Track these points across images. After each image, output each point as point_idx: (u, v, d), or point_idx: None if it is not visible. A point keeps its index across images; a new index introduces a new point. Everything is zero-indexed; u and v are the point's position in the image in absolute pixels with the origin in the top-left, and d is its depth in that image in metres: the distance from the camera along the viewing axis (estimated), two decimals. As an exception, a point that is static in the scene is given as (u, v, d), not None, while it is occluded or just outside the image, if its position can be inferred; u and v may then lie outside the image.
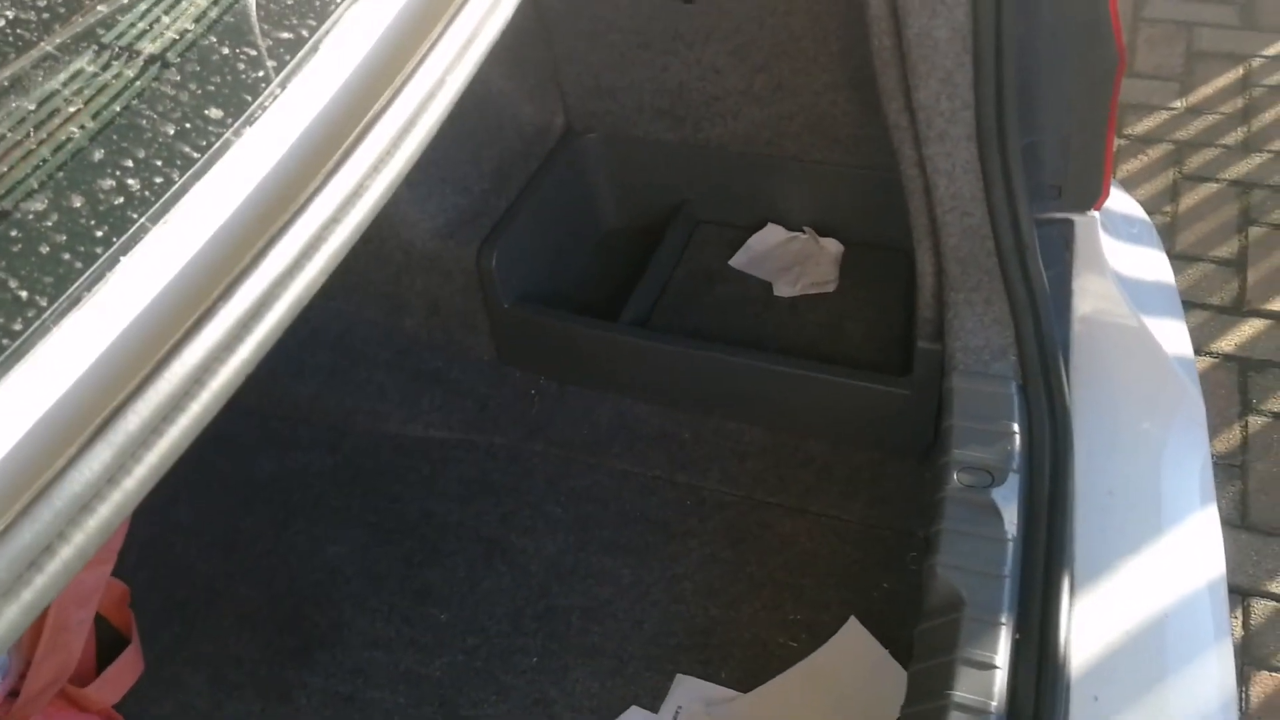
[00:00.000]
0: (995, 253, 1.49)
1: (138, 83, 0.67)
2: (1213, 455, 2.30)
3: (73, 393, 0.54)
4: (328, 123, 0.69)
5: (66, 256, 0.58)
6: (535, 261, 2.08)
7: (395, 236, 1.98)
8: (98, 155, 0.63)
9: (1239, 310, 2.64)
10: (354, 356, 2.14)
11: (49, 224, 0.59)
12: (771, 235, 2.19)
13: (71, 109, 0.65)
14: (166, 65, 0.68)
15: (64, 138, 0.64)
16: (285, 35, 0.72)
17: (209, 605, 1.82)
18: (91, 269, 0.58)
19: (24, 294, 0.57)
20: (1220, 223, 2.86)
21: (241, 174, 0.64)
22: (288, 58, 0.71)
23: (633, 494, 1.88)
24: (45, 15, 0.69)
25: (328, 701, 1.68)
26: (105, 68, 0.67)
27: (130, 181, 0.62)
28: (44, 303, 0.56)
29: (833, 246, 2.16)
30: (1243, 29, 3.47)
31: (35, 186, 0.61)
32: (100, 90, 0.66)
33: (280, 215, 0.64)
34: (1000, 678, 1.19)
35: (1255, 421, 2.41)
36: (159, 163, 0.63)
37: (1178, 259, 2.77)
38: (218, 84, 0.68)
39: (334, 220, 0.66)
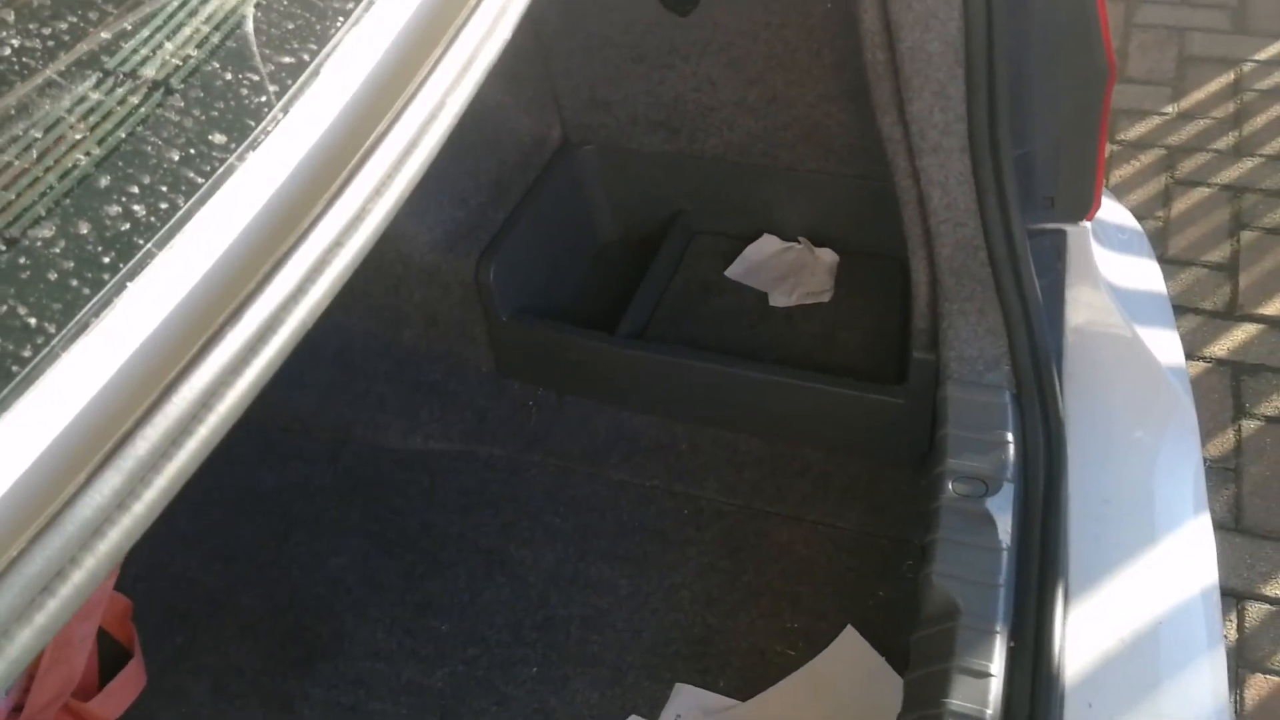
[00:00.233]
0: (989, 263, 1.50)
1: (142, 109, 0.68)
2: (1206, 459, 2.32)
3: (82, 418, 0.55)
4: (330, 146, 0.69)
5: (74, 283, 0.59)
6: (533, 273, 2.09)
7: (393, 249, 1.99)
8: (104, 182, 0.64)
9: (1231, 314, 2.66)
10: (353, 369, 2.15)
11: (56, 251, 0.60)
12: (767, 245, 2.20)
13: (77, 135, 0.66)
14: (170, 91, 0.69)
15: (70, 164, 0.64)
16: (287, 60, 0.73)
17: (211, 617, 1.82)
18: (99, 295, 0.59)
19: (32, 321, 0.57)
20: (1212, 227, 2.88)
21: (246, 199, 0.65)
22: (290, 82, 0.71)
23: (631, 504, 1.89)
24: (50, 42, 0.70)
25: (330, 712, 1.69)
26: (110, 94, 0.68)
27: (136, 207, 0.63)
28: (52, 329, 0.57)
29: (828, 256, 2.17)
30: (1234, 33, 3.48)
31: (42, 213, 0.62)
32: (105, 117, 0.67)
33: (285, 239, 0.65)
34: (996, 686, 1.20)
35: (1248, 425, 2.42)
36: (164, 188, 0.64)
37: (1170, 264, 2.78)
38: (221, 109, 0.69)
39: (338, 244, 0.67)
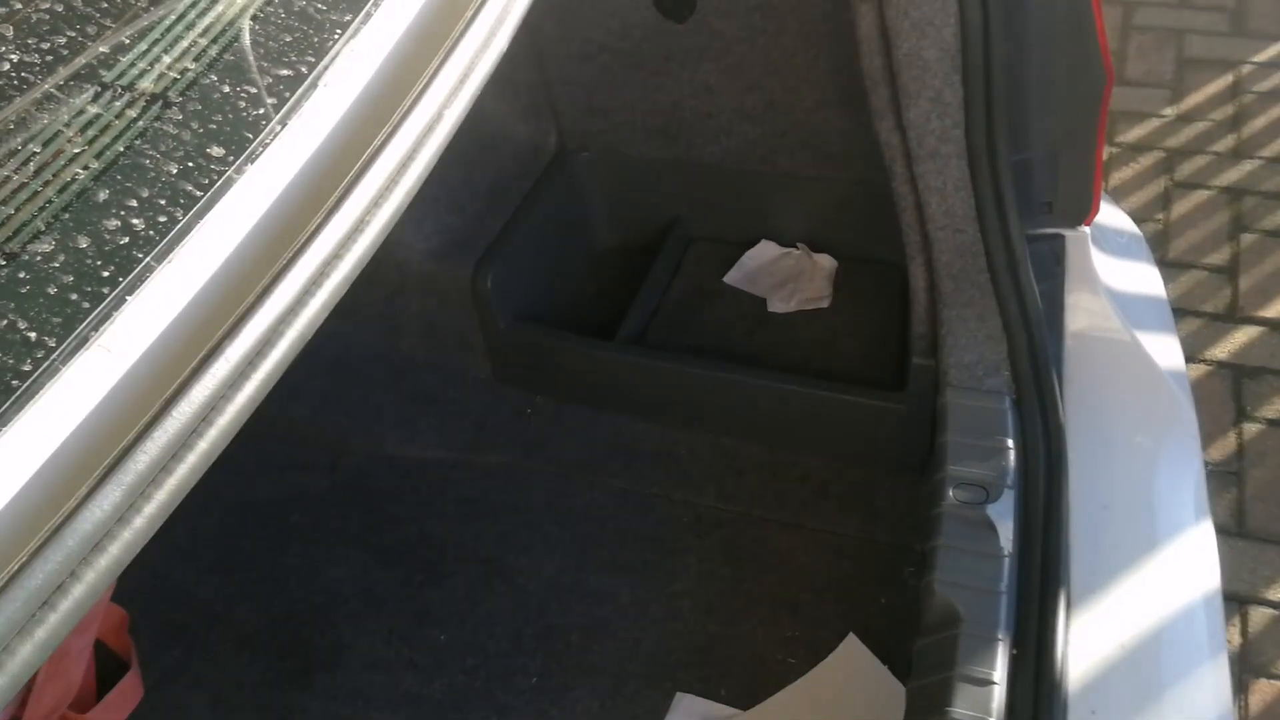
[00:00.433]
0: (987, 269, 1.50)
1: (140, 122, 0.68)
2: (1208, 463, 2.32)
3: (81, 433, 0.55)
4: (329, 158, 0.69)
5: (74, 297, 0.59)
6: (530, 281, 2.09)
7: (390, 258, 1.99)
8: (103, 196, 0.64)
9: (1232, 317, 2.66)
10: (350, 378, 2.15)
11: (56, 265, 0.60)
12: (765, 252, 2.20)
13: (77, 149, 0.66)
14: (169, 105, 0.69)
15: (69, 179, 0.64)
16: (285, 72, 0.73)
17: (208, 629, 1.82)
18: (98, 309, 0.59)
19: (32, 335, 0.57)
20: (1212, 230, 2.88)
21: (245, 211, 0.65)
22: (288, 94, 0.72)
23: (630, 512, 1.89)
24: (49, 57, 0.70)
25: (329, 723, 1.69)
26: (109, 108, 0.68)
27: (135, 221, 0.63)
28: (52, 343, 0.57)
29: (826, 262, 2.17)
30: (1233, 35, 3.49)
31: (42, 228, 0.62)
32: (104, 130, 0.67)
33: (283, 252, 0.65)
34: (998, 694, 1.19)
35: (1250, 429, 2.42)
36: (163, 202, 0.64)
37: (1170, 266, 2.78)
38: (219, 122, 0.69)
39: (336, 256, 0.67)
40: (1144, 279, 1.71)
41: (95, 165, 0.65)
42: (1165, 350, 1.59)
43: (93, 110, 0.68)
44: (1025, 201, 1.52)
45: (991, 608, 1.26)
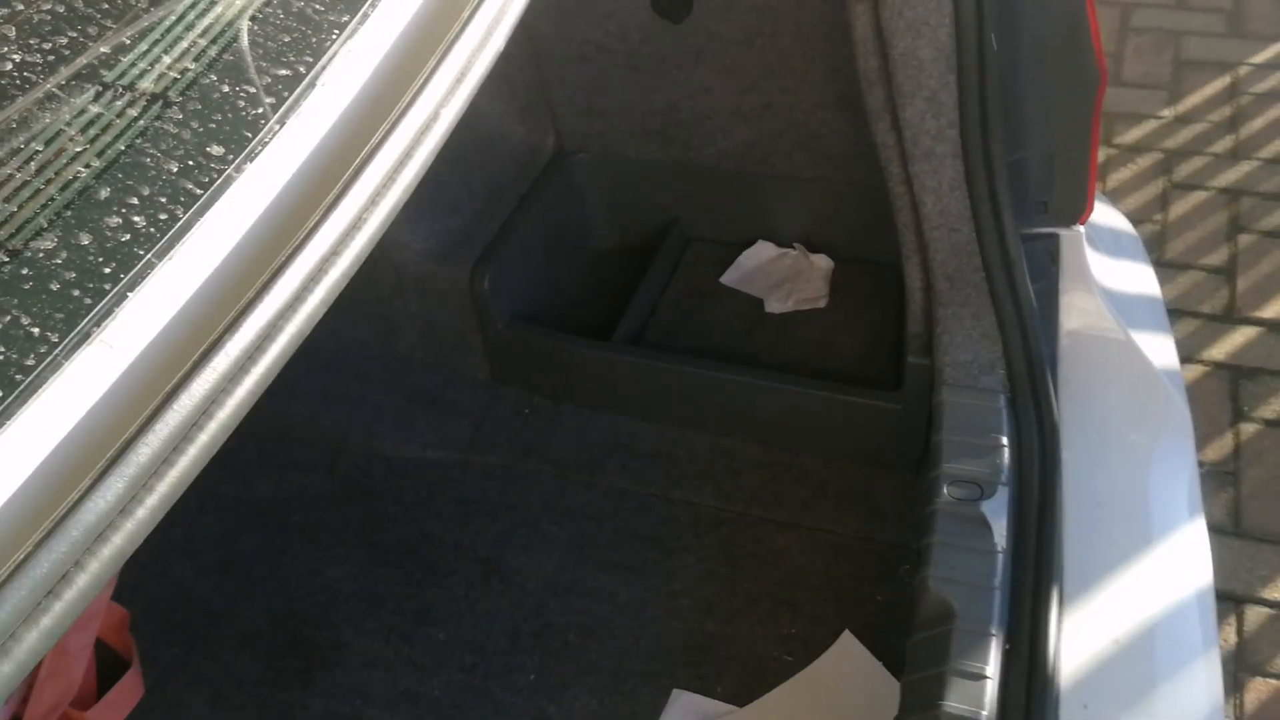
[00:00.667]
0: (983, 268, 1.51)
1: (141, 122, 0.69)
2: (1205, 463, 2.33)
3: (85, 425, 0.56)
4: (326, 157, 0.70)
5: (76, 293, 0.60)
6: (528, 281, 2.10)
7: (388, 259, 2.00)
8: (104, 194, 0.65)
9: (1230, 318, 2.66)
10: (349, 378, 2.16)
11: (58, 262, 0.61)
12: (762, 252, 2.21)
13: (78, 148, 0.67)
14: (169, 104, 0.70)
15: (71, 177, 0.65)
16: (283, 72, 0.74)
17: (208, 627, 1.83)
18: (100, 305, 0.60)
19: (36, 330, 0.58)
20: (1210, 231, 2.88)
21: (244, 209, 0.66)
22: (286, 94, 0.72)
23: (628, 511, 1.90)
24: (51, 57, 0.70)
25: (328, 721, 1.70)
26: (110, 107, 0.69)
27: (136, 219, 0.64)
28: (55, 339, 0.58)
29: (823, 263, 2.17)
30: (1230, 37, 3.49)
31: (44, 225, 0.62)
32: (105, 130, 0.68)
33: (282, 249, 0.66)
34: (991, 688, 1.20)
35: (1247, 429, 2.43)
36: (163, 200, 0.65)
37: (1168, 267, 2.79)
38: (219, 122, 0.70)
39: (334, 252, 0.68)
40: (1139, 278, 1.72)
41: (97, 164, 0.66)
42: (1159, 349, 1.59)
43: (94, 110, 0.69)
44: (1020, 201, 1.52)
45: (985, 603, 1.27)
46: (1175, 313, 2.66)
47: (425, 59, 0.78)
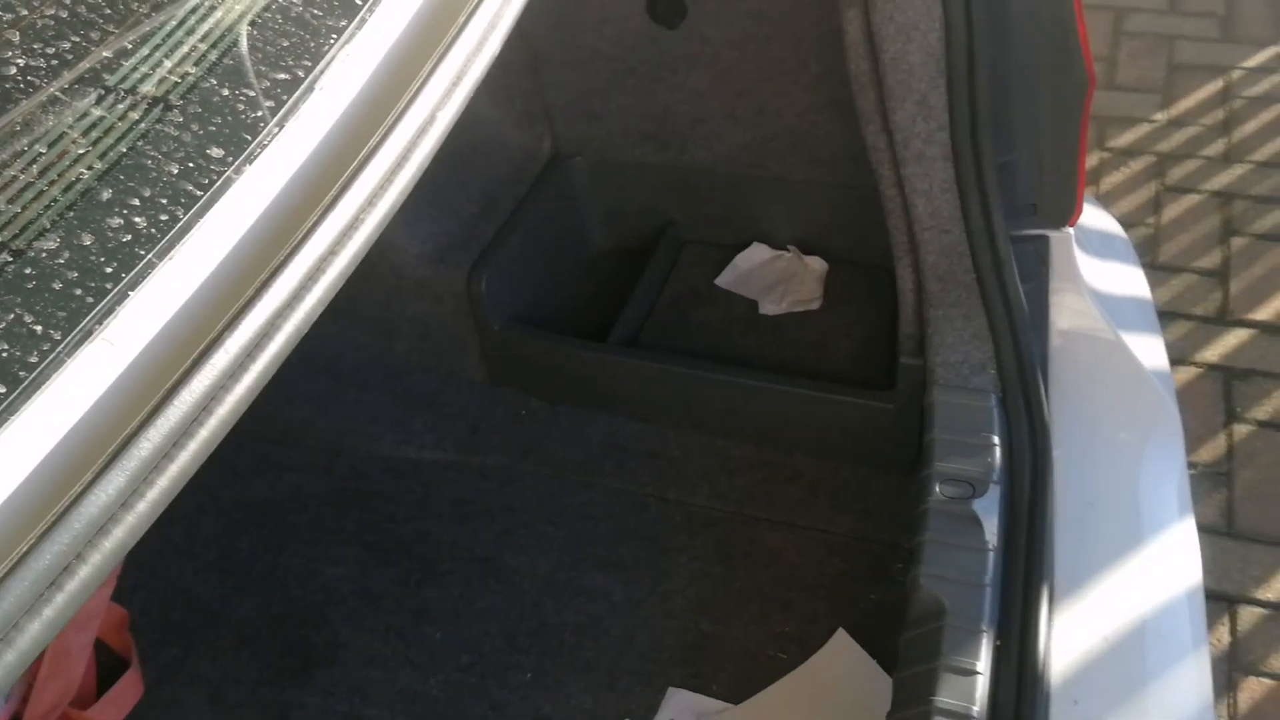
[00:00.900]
0: (973, 269, 1.52)
1: (142, 124, 0.70)
2: (1198, 464, 2.34)
3: (87, 421, 0.57)
4: (324, 160, 0.71)
5: (78, 292, 0.61)
6: (524, 284, 2.11)
7: (385, 262, 2.01)
8: (106, 195, 0.66)
9: (1222, 320, 2.67)
10: (346, 381, 2.17)
11: (61, 261, 0.62)
12: (756, 254, 2.22)
13: (80, 150, 0.68)
14: (170, 107, 0.71)
15: (73, 178, 0.66)
16: (282, 76, 0.75)
17: (207, 627, 1.84)
18: (102, 304, 0.61)
19: (38, 328, 0.59)
20: (1203, 234, 2.89)
21: (243, 210, 0.67)
22: (285, 97, 0.74)
23: (624, 511, 1.91)
24: (54, 61, 0.72)
25: (326, 720, 1.70)
26: (111, 110, 0.70)
27: (137, 219, 0.65)
28: (58, 336, 0.59)
29: (817, 264, 2.18)
30: (1223, 41, 3.50)
31: (47, 226, 0.64)
32: (107, 132, 0.69)
33: (280, 249, 0.67)
34: (982, 683, 1.21)
35: (1240, 430, 2.44)
36: (164, 201, 0.66)
37: (1161, 270, 2.80)
38: (218, 124, 0.71)
39: (331, 253, 0.69)
40: (1128, 279, 1.73)
41: (99, 166, 0.67)
42: (1149, 349, 1.61)
43: (96, 113, 0.70)
44: (1010, 203, 1.54)
45: (976, 600, 1.28)
46: (1169, 315, 2.67)
47: (422, 63, 0.79)
